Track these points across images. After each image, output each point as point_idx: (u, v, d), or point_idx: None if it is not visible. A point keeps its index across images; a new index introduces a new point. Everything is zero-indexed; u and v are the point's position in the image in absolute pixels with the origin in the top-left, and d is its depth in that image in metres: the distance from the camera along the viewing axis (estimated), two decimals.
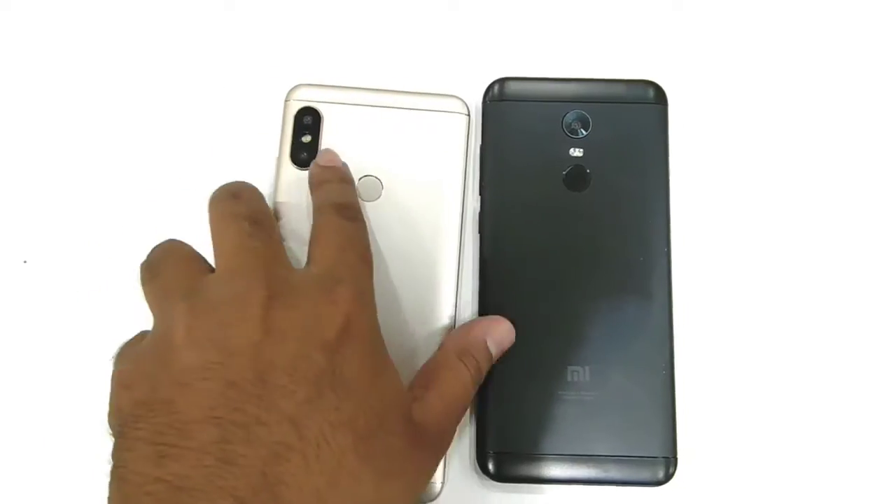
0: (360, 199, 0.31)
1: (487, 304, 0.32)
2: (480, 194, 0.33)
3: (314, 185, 0.30)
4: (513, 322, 0.31)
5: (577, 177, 0.33)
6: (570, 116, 0.33)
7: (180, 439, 0.21)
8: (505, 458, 0.30)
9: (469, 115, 0.33)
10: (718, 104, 0.35)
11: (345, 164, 0.32)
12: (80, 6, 0.37)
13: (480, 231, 0.33)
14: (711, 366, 0.33)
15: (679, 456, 0.31)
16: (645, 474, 0.30)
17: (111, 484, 0.21)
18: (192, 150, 0.35)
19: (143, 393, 0.22)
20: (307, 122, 0.32)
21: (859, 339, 0.33)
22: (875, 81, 0.36)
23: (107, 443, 0.22)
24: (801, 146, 0.35)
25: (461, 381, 0.27)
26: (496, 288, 0.32)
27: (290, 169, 0.32)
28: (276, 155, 0.33)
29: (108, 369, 0.24)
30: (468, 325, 0.30)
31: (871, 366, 0.33)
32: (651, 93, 0.34)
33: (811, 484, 0.32)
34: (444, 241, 0.32)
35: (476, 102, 0.34)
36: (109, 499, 0.21)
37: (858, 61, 0.36)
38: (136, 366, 0.23)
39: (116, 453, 0.21)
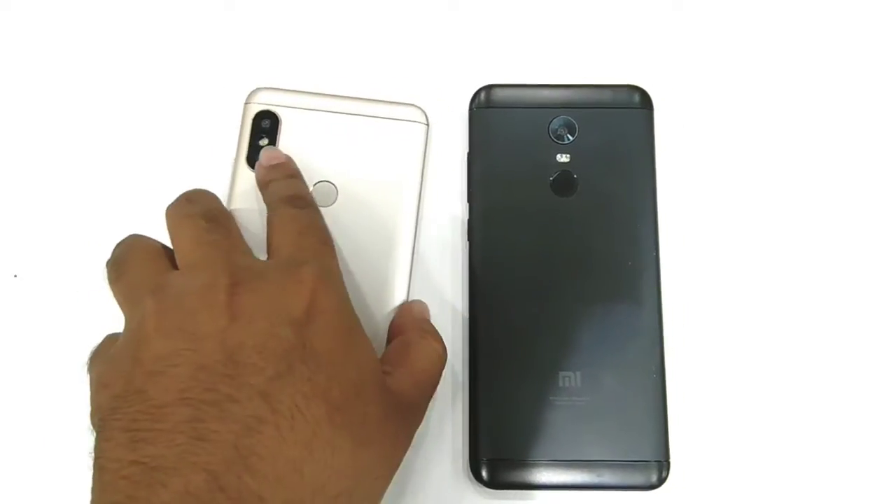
0: None
1: (477, 310, 0.32)
2: (468, 201, 0.33)
3: (261, 186, 0.31)
4: (504, 329, 0.32)
5: (564, 182, 0.33)
6: (556, 122, 0.34)
7: (153, 423, 0.21)
8: (498, 464, 0.30)
9: (427, 124, 0.33)
10: (704, 108, 0.35)
11: (289, 158, 0.32)
12: (52, 19, 0.37)
13: (469, 238, 0.33)
14: (702, 369, 0.33)
15: (672, 459, 0.31)
16: (638, 478, 0.30)
17: (92, 477, 0.22)
18: (157, 155, 0.35)
19: (119, 387, 0.22)
20: (265, 126, 0.33)
21: (849, 338, 0.33)
22: (859, 88, 0.36)
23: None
24: (787, 148, 0.35)
25: (432, 356, 0.28)
26: (486, 295, 0.32)
27: (245, 172, 0.32)
28: (234, 158, 0.33)
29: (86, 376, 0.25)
30: (410, 310, 0.31)
31: (862, 363, 0.33)
32: (637, 98, 0.34)
33: (804, 486, 0.32)
34: (397, 249, 0.32)
35: (463, 110, 0.34)
36: (91, 490, 0.22)
37: (842, 64, 0.36)
38: (110, 365, 0.23)
39: (96, 446, 0.22)
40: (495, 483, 0.30)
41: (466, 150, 0.34)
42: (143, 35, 0.36)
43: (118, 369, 0.23)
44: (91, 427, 0.23)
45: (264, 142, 0.32)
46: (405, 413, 0.26)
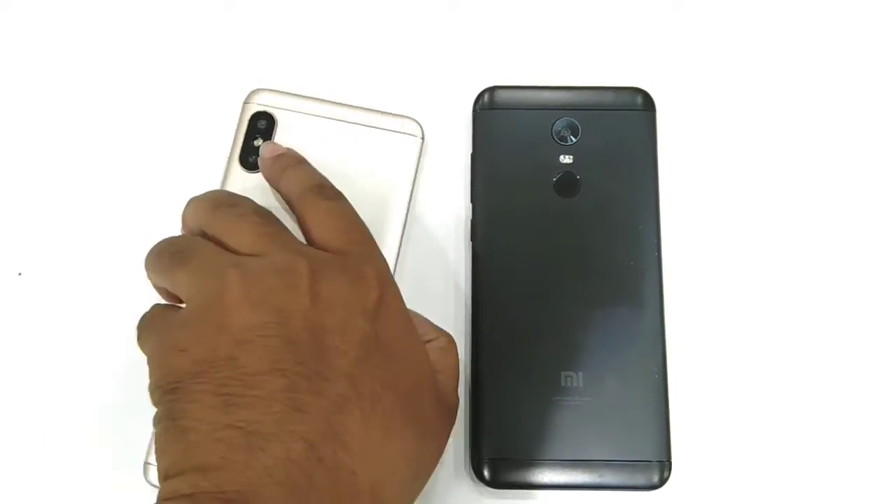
0: None
1: (480, 310, 0.32)
2: (472, 202, 0.33)
3: (274, 177, 0.30)
4: (506, 328, 0.32)
5: (567, 183, 0.33)
6: (559, 124, 0.34)
7: (247, 389, 0.21)
8: (500, 464, 0.31)
9: (423, 137, 0.33)
10: (706, 110, 0.36)
11: (290, 148, 0.31)
12: (52, 19, 0.37)
13: (472, 238, 0.33)
14: (704, 369, 0.33)
15: (673, 459, 0.31)
16: (640, 478, 0.30)
17: (165, 439, 0.22)
18: (158, 154, 0.35)
19: (203, 353, 0.22)
20: (261, 127, 0.33)
21: (849, 339, 0.33)
22: (861, 88, 0.36)
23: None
24: (789, 150, 0.35)
25: (453, 356, 0.28)
26: (488, 295, 0.32)
27: (237, 171, 0.32)
28: (227, 156, 0.33)
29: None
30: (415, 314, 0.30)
31: (863, 363, 0.33)
32: (639, 100, 0.34)
33: (805, 486, 0.32)
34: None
35: (467, 111, 0.35)
36: (164, 453, 0.22)
37: (844, 65, 0.36)
38: (187, 330, 0.23)
39: (174, 407, 0.22)
40: (497, 482, 0.30)
41: (470, 151, 0.34)
42: (146, 35, 0.37)
43: (198, 334, 0.23)
44: (157, 390, 0.23)
45: (258, 142, 0.33)
46: (449, 412, 0.27)
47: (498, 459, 0.31)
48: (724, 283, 0.34)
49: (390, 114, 0.33)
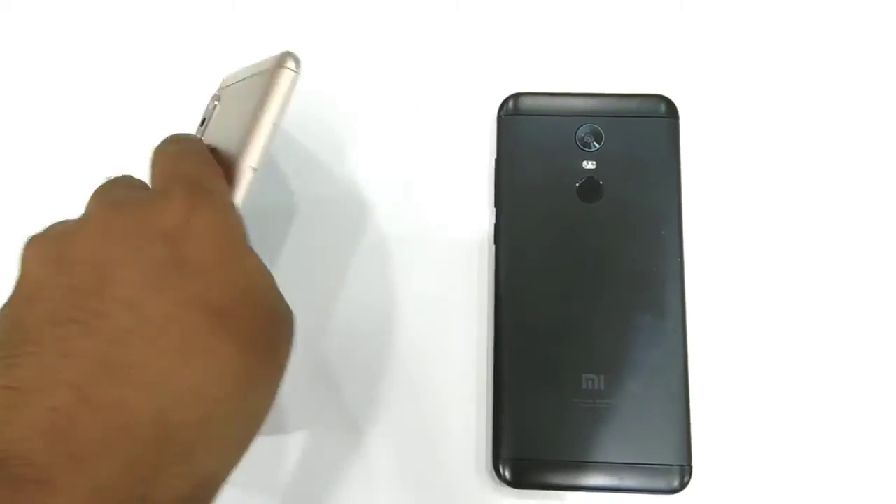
0: None
1: (502, 312, 0.32)
2: (496, 206, 0.34)
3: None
4: (528, 331, 0.32)
5: (590, 189, 0.34)
6: (582, 130, 0.34)
7: (24, 346, 0.22)
8: (520, 464, 0.31)
9: (297, 72, 0.29)
10: (729, 117, 0.36)
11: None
12: (53, 19, 0.38)
13: (496, 242, 0.33)
14: (725, 374, 0.33)
15: (694, 464, 0.31)
16: (660, 482, 0.31)
17: None
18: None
19: (6, 325, 0.23)
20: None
21: (875, 344, 0.33)
22: (891, 95, 0.36)
23: None
24: (812, 156, 0.35)
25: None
26: (511, 297, 0.33)
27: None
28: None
29: None
30: None
31: (887, 369, 0.33)
32: (662, 107, 0.35)
33: (826, 492, 0.32)
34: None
35: (492, 117, 0.35)
36: None
37: (874, 72, 0.36)
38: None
39: None
40: (517, 483, 0.31)
41: (494, 156, 0.35)
42: (142, 32, 0.38)
43: (3, 311, 0.23)
44: None
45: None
46: (283, 322, 0.26)
47: (519, 460, 0.31)
48: (746, 288, 0.34)
49: (270, 58, 0.30)
